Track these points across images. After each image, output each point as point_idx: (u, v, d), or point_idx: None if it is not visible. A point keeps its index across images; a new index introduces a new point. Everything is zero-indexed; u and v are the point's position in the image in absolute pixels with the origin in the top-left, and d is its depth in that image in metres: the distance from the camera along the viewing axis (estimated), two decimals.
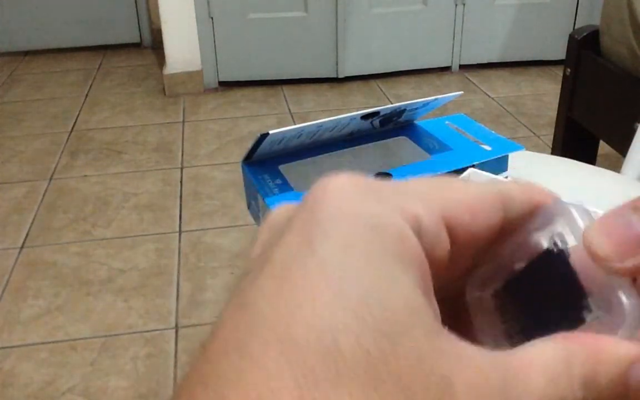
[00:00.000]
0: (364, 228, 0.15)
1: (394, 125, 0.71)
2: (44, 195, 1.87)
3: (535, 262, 0.18)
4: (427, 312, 0.15)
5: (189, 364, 0.16)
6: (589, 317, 0.17)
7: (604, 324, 0.17)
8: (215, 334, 0.15)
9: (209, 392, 0.14)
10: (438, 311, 0.16)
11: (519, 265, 0.19)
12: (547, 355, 0.16)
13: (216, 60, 2.58)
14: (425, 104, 0.69)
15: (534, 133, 2.20)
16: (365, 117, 0.65)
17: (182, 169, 2.01)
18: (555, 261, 0.18)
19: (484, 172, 0.62)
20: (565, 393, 0.16)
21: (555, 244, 0.18)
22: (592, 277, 0.17)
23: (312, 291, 0.15)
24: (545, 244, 0.18)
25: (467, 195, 0.17)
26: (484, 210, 0.18)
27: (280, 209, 0.19)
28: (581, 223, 0.18)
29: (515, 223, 0.19)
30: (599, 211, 0.18)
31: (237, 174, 1.95)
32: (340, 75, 2.63)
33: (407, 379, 0.14)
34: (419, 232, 0.16)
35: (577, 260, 0.17)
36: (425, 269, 0.16)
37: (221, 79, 2.61)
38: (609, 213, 0.17)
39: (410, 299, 0.15)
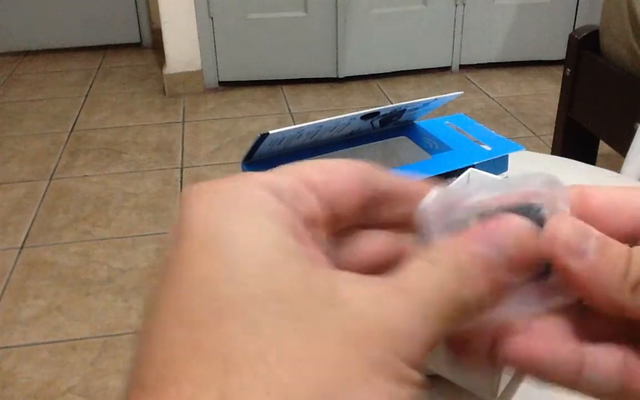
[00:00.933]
0: (224, 195, 0.18)
1: (394, 125, 0.71)
2: (44, 195, 1.87)
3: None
4: (297, 250, 0.17)
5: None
6: None
7: None
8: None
9: None
10: (318, 253, 0.18)
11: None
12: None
13: (216, 60, 2.58)
14: (425, 104, 0.69)
15: (534, 133, 2.20)
16: (365, 117, 0.65)
17: (182, 169, 2.01)
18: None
19: (484, 172, 0.62)
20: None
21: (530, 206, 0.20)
22: None
23: (191, 252, 0.17)
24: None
25: (322, 164, 0.20)
26: (339, 173, 0.20)
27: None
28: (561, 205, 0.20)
29: (384, 197, 0.21)
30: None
31: (237, 174, 1.95)
32: (340, 75, 2.63)
33: (292, 299, 0.16)
34: (280, 195, 0.18)
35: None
36: (291, 221, 0.18)
37: (221, 79, 2.61)
38: (574, 226, 0.19)
39: (280, 241, 0.17)
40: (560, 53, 2.32)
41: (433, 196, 0.20)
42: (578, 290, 0.19)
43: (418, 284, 0.17)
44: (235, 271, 0.16)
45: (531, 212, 0.20)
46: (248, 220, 0.17)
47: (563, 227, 0.19)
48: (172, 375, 0.15)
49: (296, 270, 0.16)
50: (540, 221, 0.19)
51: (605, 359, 0.19)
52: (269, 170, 0.20)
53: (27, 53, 3.07)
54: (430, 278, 0.17)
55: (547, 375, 0.19)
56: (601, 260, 0.18)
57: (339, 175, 0.20)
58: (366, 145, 0.70)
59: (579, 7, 2.69)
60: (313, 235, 0.19)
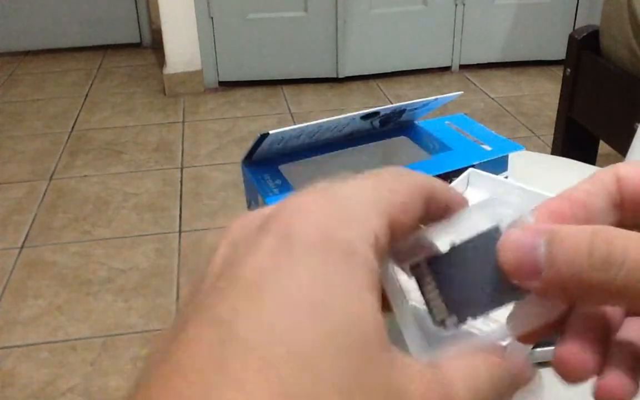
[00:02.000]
0: (337, 256, 0.17)
1: (394, 125, 0.71)
2: (44, 195, 1.87)
3: (471, 241, 0.20)
4: (384, 330, 0.17)
5: (147, 369, 0.16)
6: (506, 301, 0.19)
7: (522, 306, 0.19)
8: (185, 348, 0.15)
9: None
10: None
11: (450, 242, 0.20)
12: (473, 372, 0.18)
13: (216, 60, 2.58)
14: (425, 104, 0.69)
15: (534, 133, 2.20)
16: (365, 117, 0.65)
17: (182, 169, 2.01)
18: (491, 242, 0.20)
19: (484, 172, 0.62)
20: None
21: (497, 228, 0.20)
22: None
23: (290, 314, 0.15)
24: (486, 226, 0.20)
25: (402, 197, 0.20)
26: (414, 208, 0.20)
27: (240, 223, 0.19)
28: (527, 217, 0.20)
29: (433, 215, 0.21)
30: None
31: (237, 174, 1.95)
32: (340, 75, 2.63)
33: (372, 391, 0.15)
34: (376, 247, 0.18)
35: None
36: (380, 288, 0.18)
37: (221, 79, 2.61)
38: (524, 230, 0.19)
39: (377, 321, 0.16)
40: (560, 53, 2.32)
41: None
42: (560, 296, 0.19)
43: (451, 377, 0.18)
44: (319, 342, 0.15)
45: (491, 239, 0.20)
46: (354, 297, 0.16)
47: (508, 247, 0.19)
48: None
49: (381, 362, 0.16)
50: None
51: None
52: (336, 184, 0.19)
53: (27, 53, 3.07)
54: (462, 369, 0.18)
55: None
56: (558, 256, 0.18)
57: (412, 212, 0.20)
58: (366, 145, 0.70)
59: (579, 7, 2.69)
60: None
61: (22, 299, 1.45)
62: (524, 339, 0.20)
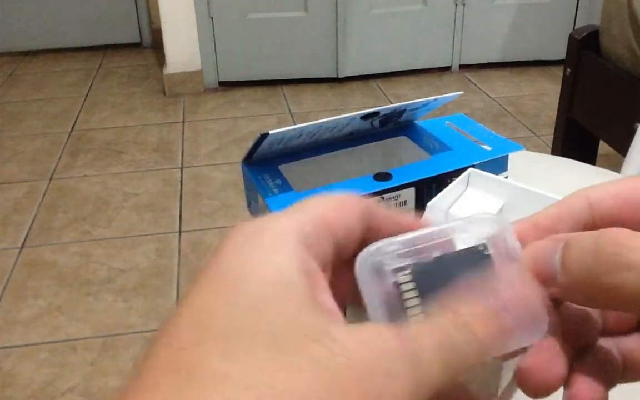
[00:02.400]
0: (259, 239, 0.19)
1: (394, 125, 0.71)
2: (44, 195, 1.87)
3: (457, 254, 0.20)
4: (299, 286, 0.17)
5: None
6: None
7: None
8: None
9: None
10: (327, 297, 0.19)
11: (434, 253, 0.20)
12: (443, 335, 0.18)
13: (216, 60, 2.58)
14: (425, 104, 0.69)
15: (534, 133, 2.20)
16: (365, 117, 0.65)
17: (182, 169, 2.01)
18: (477, 258, 0.20)
19: (484, 172, 0.62)
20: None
21: (484, 245, 0.20)
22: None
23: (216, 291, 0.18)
24: (473, 243, 0.20)
25: (334, 201, 0.21)
26: (348, 208, 0.21)
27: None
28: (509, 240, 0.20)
29: (378, 231, 0.22)
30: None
31: (237, 174, 1.95)
32: (340, 75, 2.63)
33: (279, 333, 0.16)
34: (305, 238, 0.19)
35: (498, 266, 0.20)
36: (308, 265, 0.18)
37: (221, 79, 2.61)
38: (546, 239, 0.19)
39: (290, 281, 0.17)
40: (560, 53, 2.32)
41: (372, 248, 0.20)
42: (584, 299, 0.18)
43: (414, 330, 0.17)
44: (235, 303, 0.17)
45: (477, 254, 0.20)
46: (266, 259, 0.18)
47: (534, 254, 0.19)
48: (144, 385, 0.16)
49: (294, 308, 0.17)
50: (487, 262, 0.20)
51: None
52: (294, 204, 0.21)
53: (27, 53, 3.07)
54: (427, 325, 0.18)
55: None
56: (569, 261, 0.18)
57: (347, 211, 0.21)
58: (366, 145, 0.70)
59: (579, 7, 2.69)
60: (327, 276, 0.20)
61: (22, 299, 1.45)
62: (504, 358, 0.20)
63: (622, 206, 0.20)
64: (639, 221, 0.19)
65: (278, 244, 0.18)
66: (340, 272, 0.21)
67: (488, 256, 0.20)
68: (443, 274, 0.20)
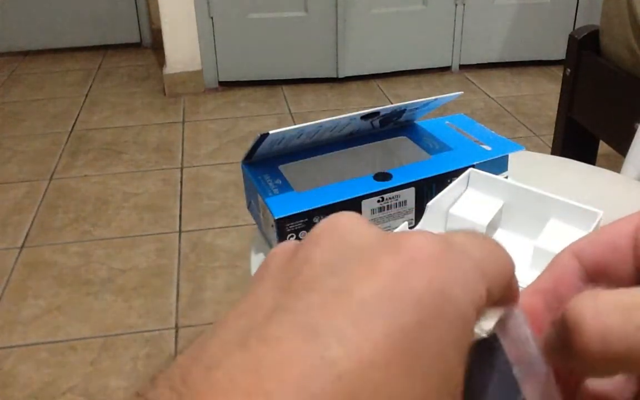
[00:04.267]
0: (448, 318, 0.15)
1: (394, 125, 0.71)
2: (44, 195, 1.87)
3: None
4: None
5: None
6: None
7: None
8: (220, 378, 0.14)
9: None
10: None
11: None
12: None
13: (216, 60, 2.58)
14: (425, 104, 0.69)
15: (534, 133, 2.20)
16: (365, 117, 0.65)
17: (182, 169, 2.01)
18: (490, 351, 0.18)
19: (484, 172, 0.62)
20: None
21: (495, 336, 0.18)
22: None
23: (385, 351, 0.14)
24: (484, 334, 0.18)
25: (500, 270, 0.18)
26: (503, 285, 0.18)
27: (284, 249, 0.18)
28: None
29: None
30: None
31: (237, 174, 1.95)
32: (340, 75, 2.63)
33: None
34: (479, 313, 0.16)
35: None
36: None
37: (221, 79, 2.61)
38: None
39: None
40: (560, 53, 2.32)
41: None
42: None
43: None
44: None
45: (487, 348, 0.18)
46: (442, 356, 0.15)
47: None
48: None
49: None
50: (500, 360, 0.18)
51: None
52: None
53: (27, 53, 3.07)
54: None
55: None
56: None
57: (502, 272, 0.18)
58: (366, 145, 0.70)
59: (579, 7, 2.69)
60: None
61: (22, 299, 1.45)
62: None
63: (603, 251, 0.20)
64: (621, 260, 0.19)
65: (457, 332, 0.16)
66: None
67: (500, 349, 0.18)
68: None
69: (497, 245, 0.18)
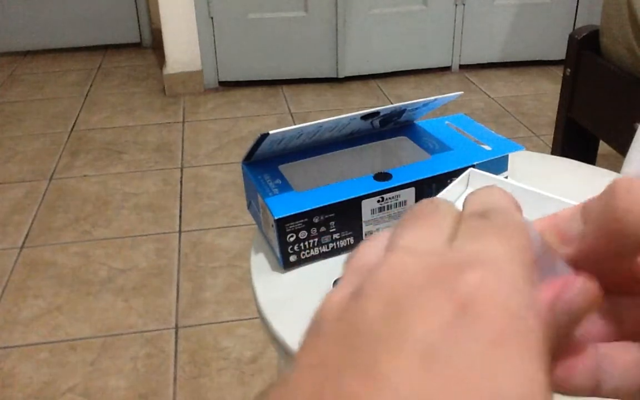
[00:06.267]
0: (519, 349, 0.15)
1: (394, 125, 0.71)
2: (44, 195, 1.87)
3: None
4: None
5: None
6: None
7: None
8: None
9: None
10: None
11: None
12: None
13: (216, 60, 2.58)
14: (425, 104, 0.69)
15: (534, 133, 2.20)
16: (365, 117, 0.65)
17: (182, 169, 2.01)
18: None
19: (484, 172, 0.62)
20: None
21: None
22: None
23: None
24: None
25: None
26: None
27: (399, 264, 0.17)
28: None
29: None
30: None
31: (237, 174, 1.95)
32: (340, 75, 2.63)
33: None
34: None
35: None
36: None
37: (221, 79, 2.61)
38: (561, 211, 0.20)
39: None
40: (560, 53, 2.32)
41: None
42: None
43: None
44: None
45: None
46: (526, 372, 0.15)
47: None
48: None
49: None
50: None
51: (623, 355, 0.19)
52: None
53: (27, 53, 3.07)
54: None
55: (564, 387, 0.19)
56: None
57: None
58: (366, 145, 0.70)
59: (579, 7, 2.69)
60: None
61: (22, 299, 1.45)
62: None
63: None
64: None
65: (533, 365, 0.15)
66: None
67: None
68: None
69: (509, 218, 0.18)
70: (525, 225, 0.18)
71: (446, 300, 0.15)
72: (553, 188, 0.58)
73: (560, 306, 0.17)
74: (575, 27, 2.67)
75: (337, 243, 0.60)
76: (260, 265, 0.61)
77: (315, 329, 0.17)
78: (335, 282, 0.53)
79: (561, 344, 0.18)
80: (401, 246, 0.17)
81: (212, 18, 2.51)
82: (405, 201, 0.61)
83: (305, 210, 0.57)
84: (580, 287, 0.17)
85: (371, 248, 0.19)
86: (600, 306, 0.18)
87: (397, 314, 0.15)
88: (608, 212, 0.18)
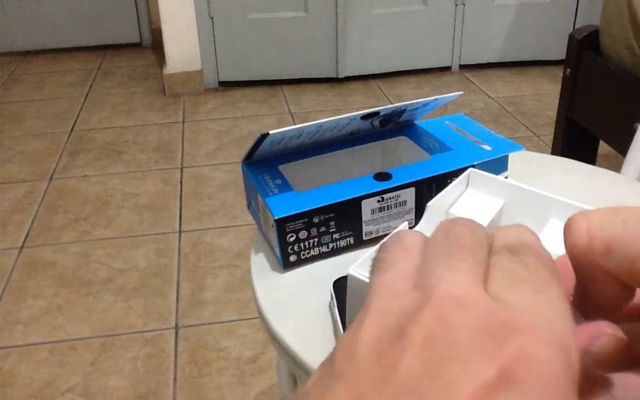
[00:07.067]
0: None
1: (394, 125, 0.71)
2: (44, 195, 1.87)
3: None
4: None
5: None
6: None
7: None
8: None
9: None
10: None
11: None
12: None
13: (216, 60, 2.58)
14: (425, 104, 0.69)
15: (534, 133, 2.20)
16: (365, 117, 0.65)
17: (182, 169, 2.01)
18: None
19: (484, 172, 0.62)
20: None
21: None
22: None
23: None
24: None
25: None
26: None
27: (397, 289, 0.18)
28: None
29: None
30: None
31: (237, 174, 1.95)
32: (340, 75, 2.63)
33: None
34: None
35: None
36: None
37: (221, 79, 2.61)
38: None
39: None
40: (560, 53, 2.32)
41: None
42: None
43: None
44: None
45: None
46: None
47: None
48: None
49: None
50: None
51: (636, 380, 0.18)
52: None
53: (27, 53, 3.07)
54: None
55: None
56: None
57: None
58: (366, 145, 0.70)
59: (579, 7, 2.69)
60: None
61: (22, 299, 1.45)
62: None
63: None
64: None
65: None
66: None
67: None
68: None
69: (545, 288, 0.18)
70: (554, 262, 0.18)
71: (490, 364, 0.15)
72: (553, 188, 0.57)
73: (590, 355, 0.17)
74: (575, 27, 2.67)
75: (337, 243, 0.60)
76: (260, 265, 0.61)
77: (345, 366, 0.17)
78: (335, 282, 0.53)
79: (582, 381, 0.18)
80: (441, 293, 0.17)
81: (212, 18, 2.51)
82: (405, 201, 0.61)
83: (305, 210, 0.57)
84: (609, 334, 0.17)
85: (399, 275, 0.19)
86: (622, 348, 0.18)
87: (439, 372, 0.15)
88: (566, 250, 0.19)
